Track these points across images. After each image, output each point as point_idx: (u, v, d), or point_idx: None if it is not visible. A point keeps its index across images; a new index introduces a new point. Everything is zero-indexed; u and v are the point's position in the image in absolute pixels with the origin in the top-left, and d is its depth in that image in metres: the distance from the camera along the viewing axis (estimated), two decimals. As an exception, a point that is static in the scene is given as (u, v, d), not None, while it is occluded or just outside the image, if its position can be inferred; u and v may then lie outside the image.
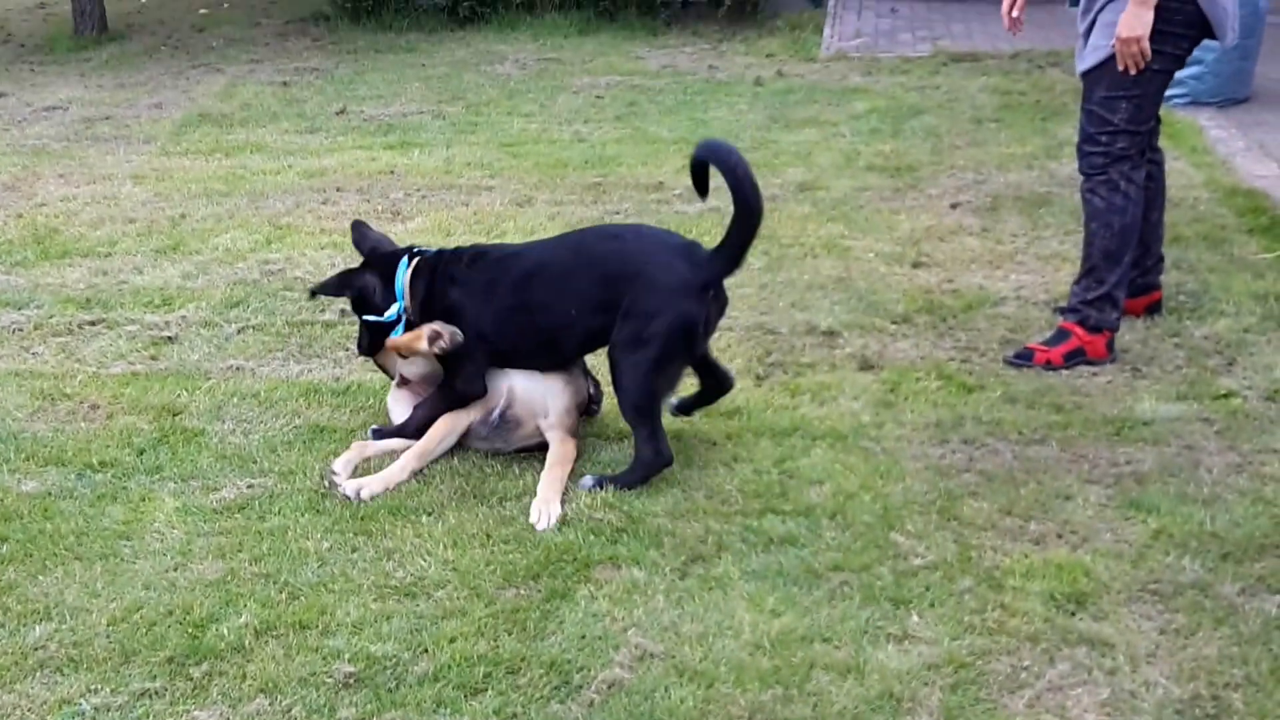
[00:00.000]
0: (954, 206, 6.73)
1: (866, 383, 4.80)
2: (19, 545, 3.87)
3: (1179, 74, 5.06)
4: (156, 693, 3.23)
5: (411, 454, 4.20)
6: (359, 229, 4.66)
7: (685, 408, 4.41)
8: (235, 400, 4.80)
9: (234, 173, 7.83)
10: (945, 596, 3.50)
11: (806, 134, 8.21)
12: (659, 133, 8.37)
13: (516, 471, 4.20)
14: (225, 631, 3.42)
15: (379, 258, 4.48)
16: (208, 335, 5.42)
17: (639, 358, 4.00)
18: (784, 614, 3.44)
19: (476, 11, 12.14)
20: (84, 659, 3.34)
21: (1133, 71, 4.66)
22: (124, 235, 6.71)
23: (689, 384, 4.33)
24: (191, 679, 3.27)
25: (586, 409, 4.42)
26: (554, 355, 4.26)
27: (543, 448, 4.22)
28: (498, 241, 5.97)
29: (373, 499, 4.04)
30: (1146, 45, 4.58)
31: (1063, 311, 5.05)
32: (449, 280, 4.28)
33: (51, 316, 5.66)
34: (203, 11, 13.84)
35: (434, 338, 4.16)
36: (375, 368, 4.70)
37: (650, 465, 4.08)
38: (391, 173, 7.71)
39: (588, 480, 4.09)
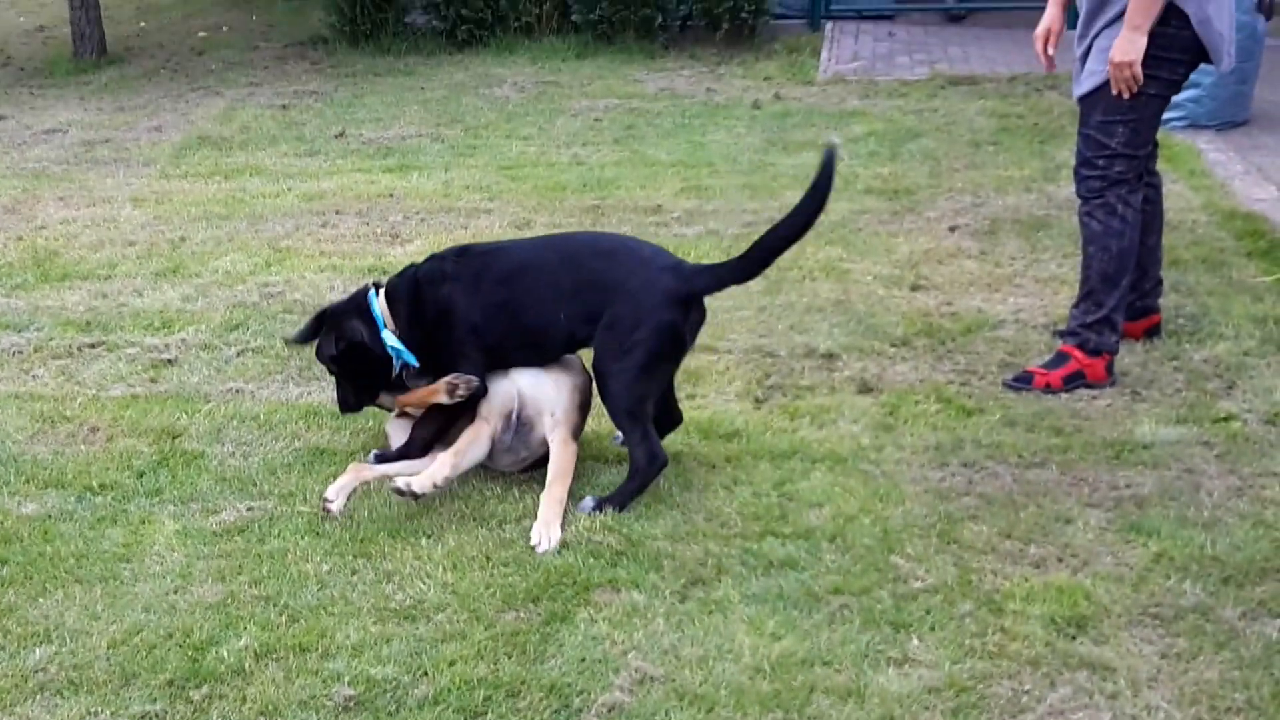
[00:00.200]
0: (952, 229, 6.74)
1: (866, 406, 4.80)
2: (19, 568, 3.88)
3: (1177, 97, 5.07)
4: (156, 715, 3.23)
5: (448, 453, 4.10)
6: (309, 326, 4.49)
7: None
8: (235, 423, 4.80)
9: (233, 195, 7.85)
10: (945, 620, 3.50)
11: (804, 157, 8.21)
12: (657, 155, 8.39)
13: (516, 495, 4.19)
14: (225, 654, 3.42)
15: (338, 309, 4.39)
16: (207, 358, 5.43)
17: (625, 364, 4.04)
18: (784, 637, 3.44)
19: (474, 35, 12.17)
20: (84, 681, 3.34)
21: (1126, 96, 4.68)
22: (124, 258, 6.72)
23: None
24: (192, 702, 3.27)
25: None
26: (540, 351, 4.26)
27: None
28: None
29: (423, 493, 4.00)
30: (1139, 70, 4.60)
31: (1062, 335, 5.06)
32: (439, 279, 4.27)
33: (51, 339, 5.67)
34: (202, 35, 13.88)
35: (452, 389, 4.14)
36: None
37: (646, 471, 4.09)
38: (390, 195, 7.72)
39: (588, 503, 4.09)
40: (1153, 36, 4.58)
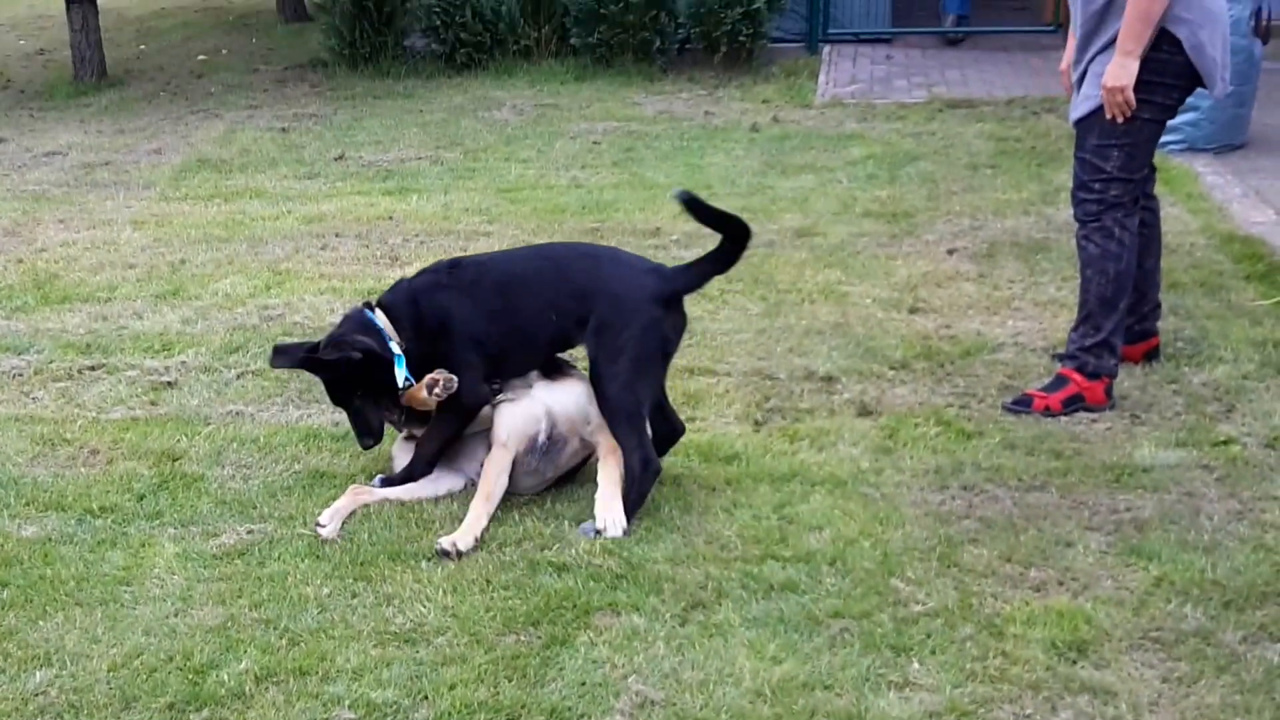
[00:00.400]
0: (951, 252, 6.75)
1: (865, 428, 4.80)
2: (19, 590, 3.87)
3: (1175, 121, 5.09)
4: (156, 740, 3.22)
5: (479, 499, 4.11)
6: (280, 352, 4.49)
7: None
8: (235, 445, 4.80)
9: (233, 218, 7.86)
10: (946, 644, 3.50)
11: (803, 180, 8.25)
12: (656, 178, 8.40)
13: (515, 518, 4.19)
14: (225, 678, 3.41)
15: (339, 333, 4.34)
16: (207, 380, 5.43)
17: (618, 367, 4.12)
18: (785, 661, 3.44)
19: (473, 58, 12.19)
20: (84, 705, 3.33)
21: (1120, 120, 4.70)
22: (124, 280, 6.73)
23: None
24: (191, 726, 3.27)
25: None
26: (536, 352, 4.36)
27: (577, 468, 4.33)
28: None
29: (468, 551, 3.97)
30: (1131, 95, 4.62)
31: (1061, 358, 5.07)
32: (436, 289, 4.33)
33: (51, 361, 5.67)
34: (201, 58, 13.92)
35: (431, 385, 4.18)
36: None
37: (642, 479, 4.13)
38: (390, 218, 7.74)
39: (588, 526, 4.09)
40: (1146, 62, 4.61)
